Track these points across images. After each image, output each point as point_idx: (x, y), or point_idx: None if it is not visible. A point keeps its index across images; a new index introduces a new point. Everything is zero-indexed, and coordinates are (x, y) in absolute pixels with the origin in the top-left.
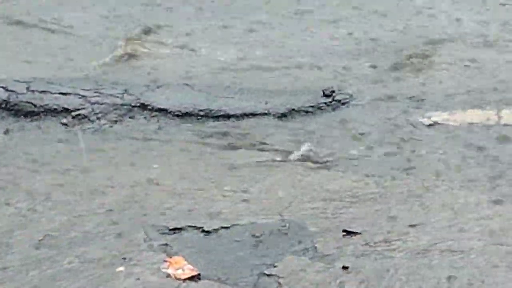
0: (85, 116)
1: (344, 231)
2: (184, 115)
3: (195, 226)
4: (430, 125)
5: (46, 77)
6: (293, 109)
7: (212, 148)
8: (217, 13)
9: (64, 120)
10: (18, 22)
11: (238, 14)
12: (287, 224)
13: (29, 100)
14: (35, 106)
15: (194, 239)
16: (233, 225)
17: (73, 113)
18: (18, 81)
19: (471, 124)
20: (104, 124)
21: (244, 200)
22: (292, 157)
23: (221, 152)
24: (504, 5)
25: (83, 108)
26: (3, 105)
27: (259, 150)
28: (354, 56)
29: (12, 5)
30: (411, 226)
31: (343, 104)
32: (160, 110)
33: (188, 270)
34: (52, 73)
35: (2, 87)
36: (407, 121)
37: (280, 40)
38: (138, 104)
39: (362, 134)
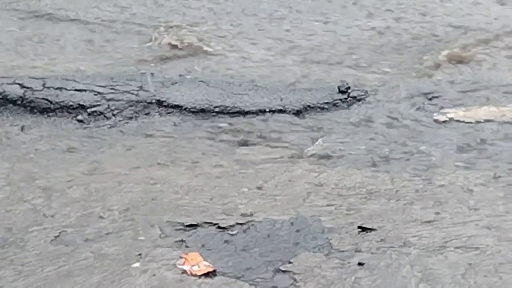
0: (100, 113)
1: (359, 227)
2: (199, 112)
3: (210, 223)
4: (445, 121)
5: (62, 74)
6: (308, 106)
7: (227, 145)
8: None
9: (80, 117)
10: (35, 17)
11: (252, 11)
12: (303, 220)
13: (45, 97)
14: (51, 102)
15: (210, 236)
16: (249, 221)
17: (89, 110)
18: (34, 77)
19: (486, 120)
20: (119, 121)
21: (260, 197)
22: (307, 153)
23: (236, 149)
24: None
25: (99, 105)
26: (19, 102)
27: (274, 147)
28: (371, 52)
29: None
30: (426, 222)
31: (358, 100)
32: (175, 106)
33: (204, 266)
34: (70, 69)
35: (18, 84)
36: (423, 117)
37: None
38: (153, 101)
39: (377, 130)
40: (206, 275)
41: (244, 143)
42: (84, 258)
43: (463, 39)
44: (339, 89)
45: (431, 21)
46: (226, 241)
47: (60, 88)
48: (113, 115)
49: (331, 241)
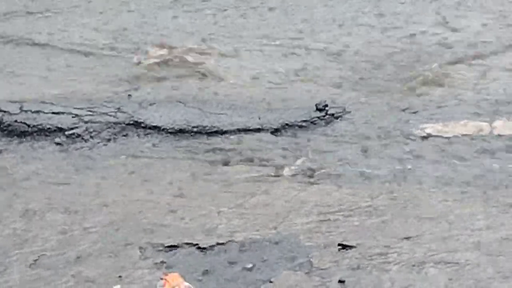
0: (78, 135)
1: (339, 245)
2: (178, 132)
3: (191, 243)
4: (424, 137)
5: (39, 97)
6: (286, 124)
7: (206, 165)
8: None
9: (58, 140)
10: (11, 41)
11: (234, 33)
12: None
13: (22, 120)
14: (28, 126)
15: (190, 256)
16: (229, 241)
17: (67, 133)
18: (11, 101)
19: (464, 135)
20: (98, 143)
21: (239, 216)
22: (286, 171)
23: (216, 168)
24: None
25: (77, 127)
26: None
27: (253, 166)
28: (349, 69)
29: (8, 23)
30: (406, 238)
31: (336, 118)
32: (153, 127)
33: (184, 287)
34: (46, 92)
35: None
36: (402, 133)
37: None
38: (131, 122)
39: (356, 147)
40: None
41: (223, 163)
42: (65, 282)
43: (441, 56)
44: (316, 106)
45: (410, 38)
46: (206, 262)
47: (37, 111)
48: (91, 137)
49: (311, 259)
